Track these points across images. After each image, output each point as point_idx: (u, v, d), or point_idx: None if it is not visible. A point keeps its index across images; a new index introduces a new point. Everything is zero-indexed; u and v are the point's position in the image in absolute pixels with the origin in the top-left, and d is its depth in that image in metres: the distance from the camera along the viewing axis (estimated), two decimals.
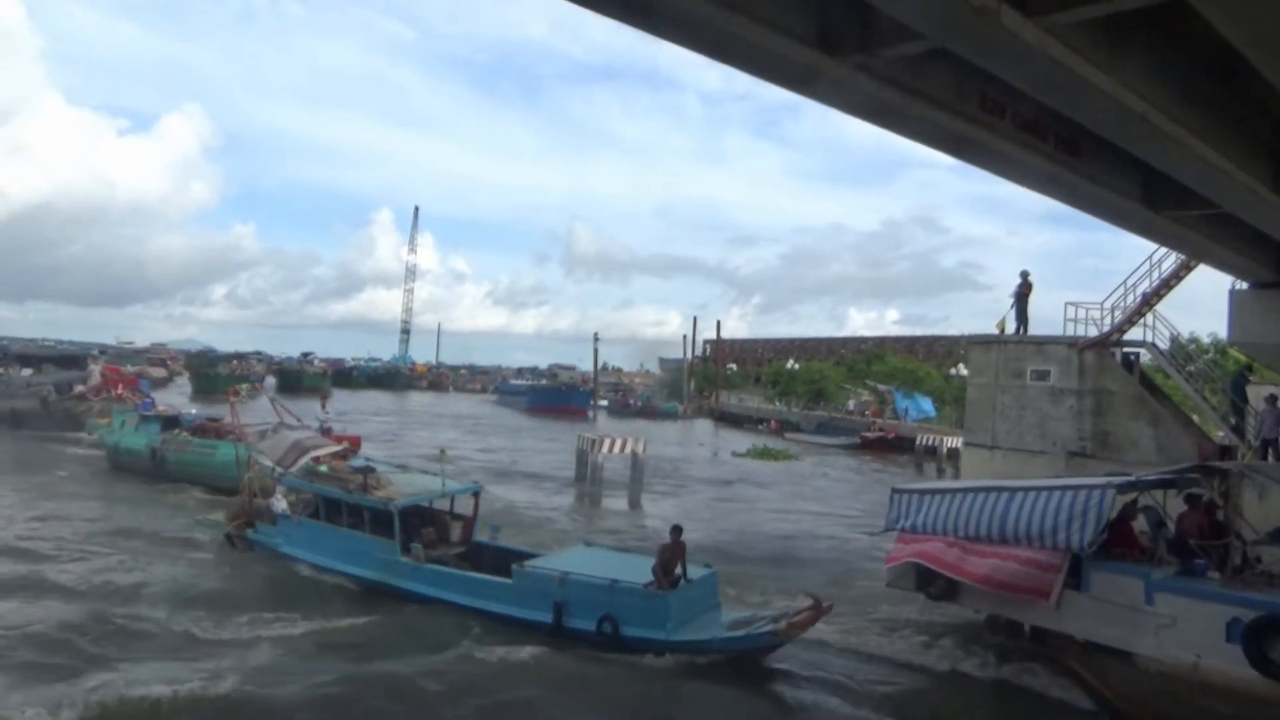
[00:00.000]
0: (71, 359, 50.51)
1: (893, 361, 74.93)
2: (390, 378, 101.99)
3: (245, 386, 20.33)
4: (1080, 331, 21.28)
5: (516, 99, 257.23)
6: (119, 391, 39.39)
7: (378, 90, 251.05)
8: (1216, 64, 8.49)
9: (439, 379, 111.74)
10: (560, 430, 50.24)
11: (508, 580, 13.88)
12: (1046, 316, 21.96)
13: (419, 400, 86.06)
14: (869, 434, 52.59)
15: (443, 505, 16.84)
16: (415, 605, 14.52)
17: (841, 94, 9.18)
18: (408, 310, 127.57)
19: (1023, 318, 22.55)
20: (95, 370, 43.74)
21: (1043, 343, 21.80)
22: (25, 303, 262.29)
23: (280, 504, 17.52)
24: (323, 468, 17.43)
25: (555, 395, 75.50)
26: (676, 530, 13.35)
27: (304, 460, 17.76)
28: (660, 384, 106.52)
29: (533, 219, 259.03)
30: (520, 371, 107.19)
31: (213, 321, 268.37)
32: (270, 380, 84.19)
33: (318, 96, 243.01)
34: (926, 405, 60.65)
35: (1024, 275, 22.77)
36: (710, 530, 23.25)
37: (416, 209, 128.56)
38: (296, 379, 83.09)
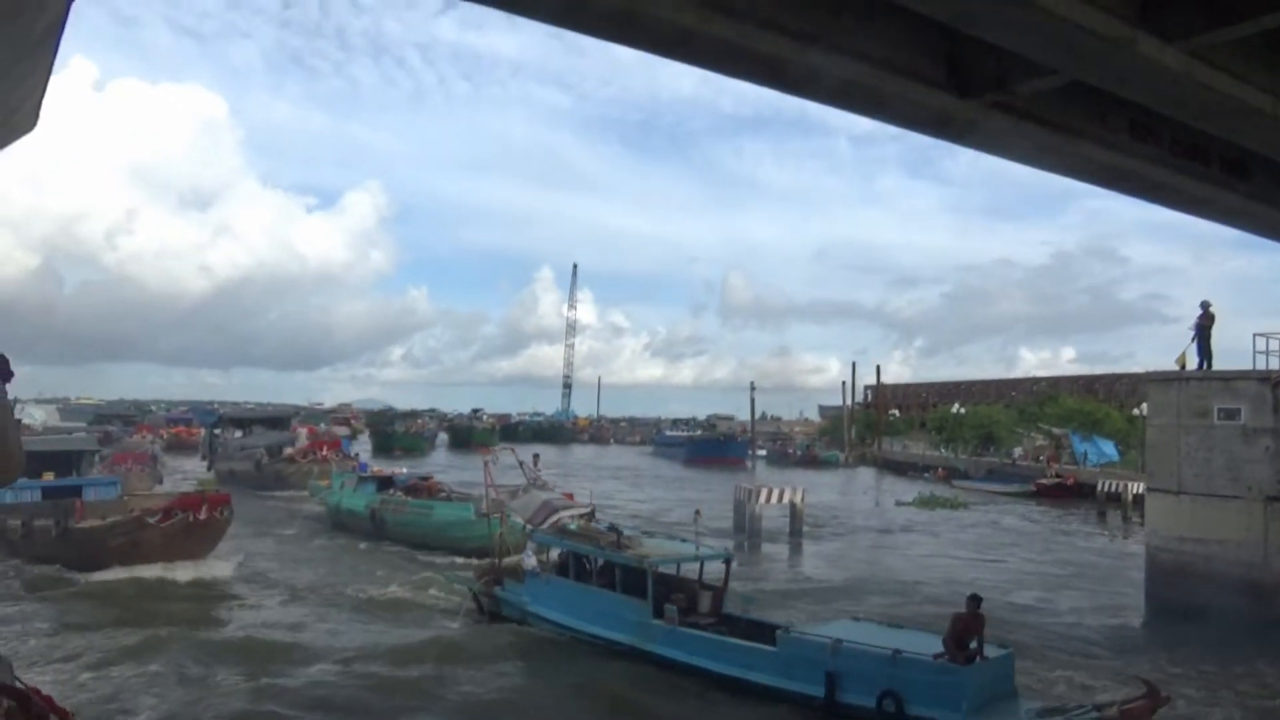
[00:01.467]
0: (276, 420, 53.53)
1: (1068, 402, 70.57)
2: (554, 431, 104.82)
3: (497, 448, 21.53)
4: (1273, 364, 19.66)
5: (669, 154, 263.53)
6: (324, 453, 41.67)
7: (537, 155, 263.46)
8: None
9: (600, 431, 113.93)
10: (718, 481, 50.19)
11: (771, 647, 12.73)
12: (1240, 348, 20.42)
13: (581, 453, 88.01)
14: (1045, 480, 49.70)
15: (690, 573, 15.80)
16: (667, 672, 13.74)
17: (978, 134, 9.11)
18: (569, 365, 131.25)
19: (1205, 352, 21.00)
20: (302, 434, 46.79)
21: (1230, 378, 20.21)
22: (230, 369, 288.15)
23: (531, 560, 17.39)
24: (572, 526, 17.38)
25: (713, 446, 75.39)
26: (975, 600, 11.75)
27: (553, 519, 17.74)
28: (820, 432, 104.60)
29: (688, 270, 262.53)
30: (675, 423, 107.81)
31: (391, 381, 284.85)
32: (443, 436, 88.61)
33: (483, 164, 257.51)
34: (1109, 448, 56.75)
35: (1204, 306, 21.25)
36: (875, 583, 22.63)
37: (575, 266, 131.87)
38: (467, 434, 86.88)
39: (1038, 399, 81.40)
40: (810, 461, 73.35)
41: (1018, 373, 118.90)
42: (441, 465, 48.17)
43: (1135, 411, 63.95)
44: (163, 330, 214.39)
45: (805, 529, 30.40)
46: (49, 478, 24.15)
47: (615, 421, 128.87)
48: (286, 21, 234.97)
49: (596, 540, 15.97)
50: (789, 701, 12.18)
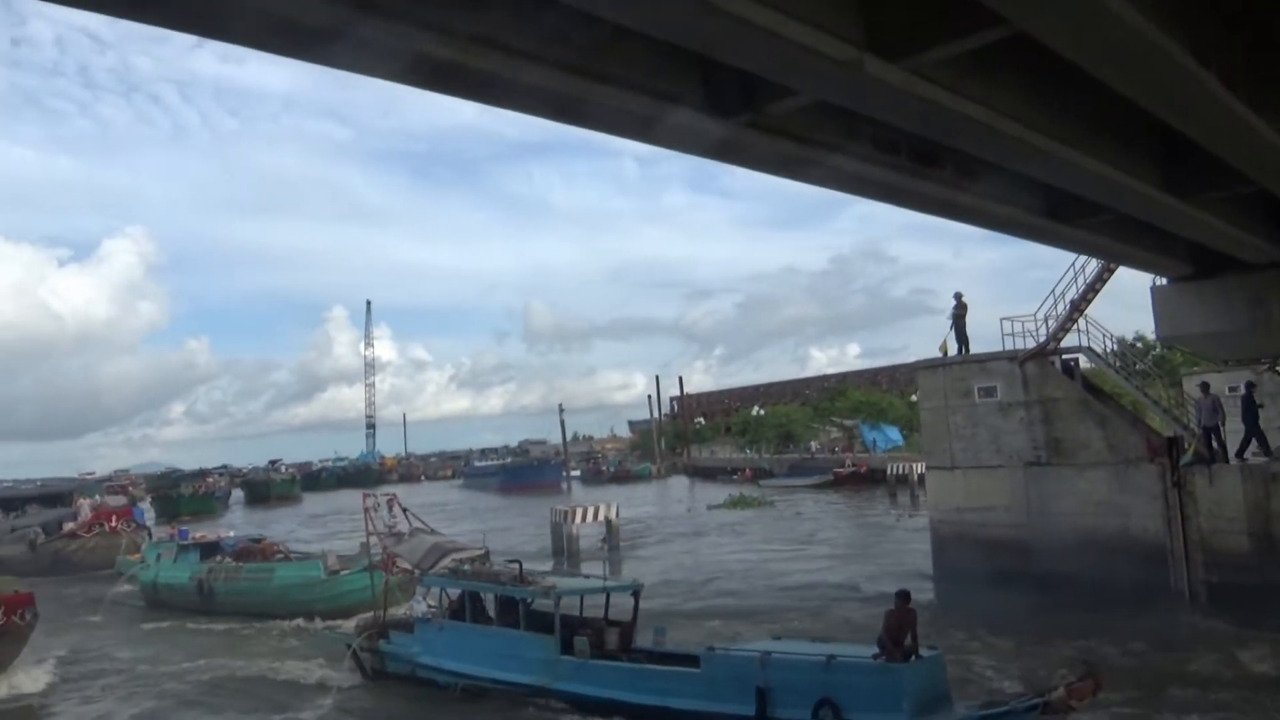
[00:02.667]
0: (56, 496, 48.20)
1: (854, 395, 75.71)
2: (360, 475, 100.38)
3: (376, 498, 19.17)
4: (1020, 345, 21.91)
5: (457, 184, 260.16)
6: (113, 524, 36.75)
7: (319, 191, 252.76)
8: (1083, 82, 9.08)
9: (410, 470, 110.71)
10: (534, 505, 49.96)
11: (695, 669, 12.01)
12: (994, 334, 22.94)
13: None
14: (841, 470, 52.98)
15: (595, 610, 14.49)
16: (582, 713, 12.77)
17: (741, 154, 9.72)
18: (371, 405, 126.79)
19: (962, 338, 23.13)
20: (85, 505, 41.28)
21: (985, 360, 22.37)
22: None
23: (421, 606, 16.42)
24: (465, 567, 16.15)
25: (526, 472, 75.15)
26: (903, 596, 11.26)
27: (445, 562, 16.54)
28: (631, 447, 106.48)
29: (488, 299, 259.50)
30: (484, 452, 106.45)
31: (174, 441, 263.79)
32: (237, 493, 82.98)
33: (260, 205, 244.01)
34: (895, 434, 61.34)
35: (957, 297, 23.45)
36: (691, 586, 23.29)
37: (369, 303, 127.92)
38: (264, 489, 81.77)
39: (829, 395, 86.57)
40: (624, 477, 74.57)
41: (810, 372, 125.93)
42: (238, 525, 45.09)
43: (913, 398, 69.46)
44: None
45: (622, 543, 30.85)
46: None
47: (425, 458, 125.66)
48: (17, 61, 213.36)
49: (497, 577, 14.82)
50: None
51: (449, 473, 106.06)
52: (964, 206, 12.96)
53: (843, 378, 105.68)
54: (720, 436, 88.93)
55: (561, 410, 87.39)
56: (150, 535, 36.65)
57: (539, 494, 60.40)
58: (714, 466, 72.90)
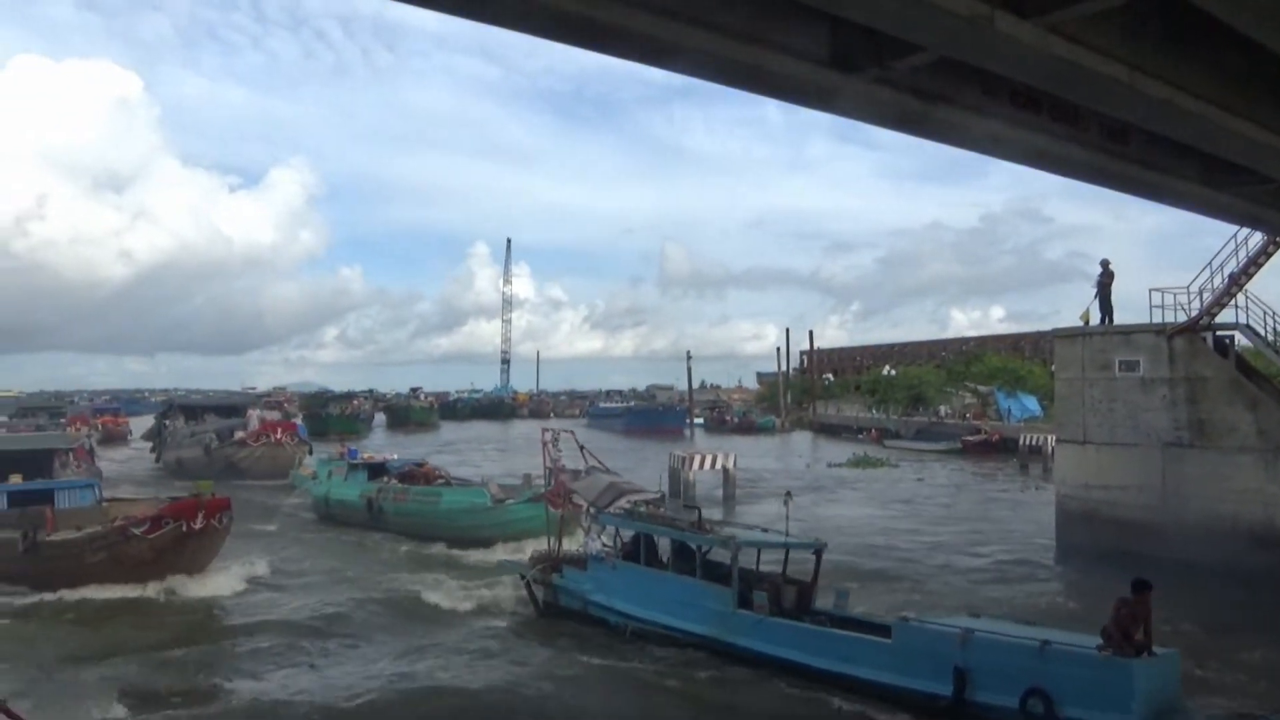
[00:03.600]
0: (231, 408, 50.47)
1: (992, 361, 72.81)
2: (494, 408, 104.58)
3: (554, 433, 19.20)
4: (1169, 318, 20.69)
5: (601, 124, 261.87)
6: (278, 437, 39.08)
7: (468, 128, 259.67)
8: (1234, 39, 8.44)
9: (540, 406, 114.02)
10: (654, 449, 50.83)
11: (885, 639, 11.11)
12: (1142, 304, 21.49)
13: (521, 428, 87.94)
14: (971, 438, 51.42)
15: (774, 566, 13.73)
16: (756, 669, 12.01)
17: (867, 108, 9.55)
18: (507, 340, 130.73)
19: (1106, 307, 22.05)
20: (254, 416, 44.28)
21: (1129, 331, 21.27)
22: (155, 355, 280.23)
23: (595, 544, 15.68)
24: (641, 509, 15.91)
25: (649, 416, 76.41)
26: (1143, 585, 9.76)
27: (620, 503, 16.08)
28: (757, 398, 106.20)
29: (625, 241, 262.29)
30: (609, 394, 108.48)
31: (326, 363, 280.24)
32: (380, 417, 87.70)
33: (412, 139, 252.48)
34: (1032, 404, 58.81)
35: (1104, 264, 22.30)
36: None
37: (509, 241, 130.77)
38: (405, 415, 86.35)
39: (965, 359, 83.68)
40: (747, 428, 74.57)
41: (949, 333, 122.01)
42: (381, 446, 47.58)
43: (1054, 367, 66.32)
44: (82, 318, 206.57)
45: (738, 493, 31.09)
46: (16, 481, 21.11)
47: (555, 395, 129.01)
48: None
49: (674, 523, 14.48)
50: (908, 702, 10.50)
51: (576, 411, 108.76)
52: (1109, 171, 12.29)
53: (982, 341, 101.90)
54: (849, 394, 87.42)
55: (689, 357, 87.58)
56: (310, 451, 38.61)
57: (661, 438, 61.26)
58: (839, 424, 71.94)
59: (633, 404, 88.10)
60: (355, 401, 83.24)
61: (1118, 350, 21.24)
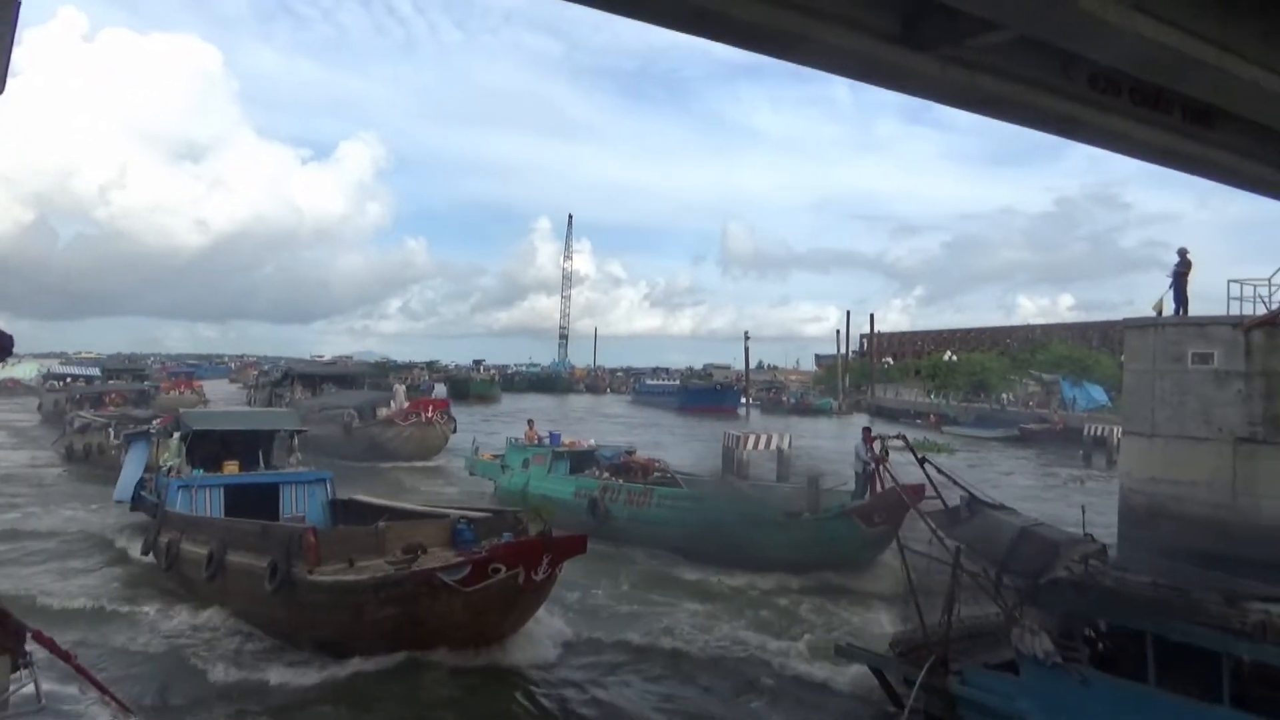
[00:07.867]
0: (348, 377, 45.99)
1: (1058, 349, 71.15)
2: (550, 382, 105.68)
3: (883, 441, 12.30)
4: (1249, 310, 20.00)
5: (665, 102, 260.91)
6: (428, 415, 34.44)
7: (533, 104, 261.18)
8: None
9: (596, 381, 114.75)
10: (707, 427, 50.84)
11: None
12: (1219, 296, 20.66)
13: (577, 402, 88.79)
14: (1031, 426, 50.40)
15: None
16: None
17: (934, 88, 9.35)
18: (566, 316, 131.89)
19: (1181, 298, 21.33)
20: (400, 391, 39.40)
21: (1204, 323, 20.56)
22: (226, 322, 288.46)
23: (1038, 644, 8.64)
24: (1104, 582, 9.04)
25: (704, 395, 76.23)
26: None
27: (1058, 569, 8.97)
28: (815, 380, 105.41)
29: (687, 220, 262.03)
30: (655, 371, 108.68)
31: (389, 334, 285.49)
32: (440, 388, 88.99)
33: (478, 114, 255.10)
34: (1098, 394, 57.45)
35: (1182, 253, 21.56)
36: None
37: (570, 216, 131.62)
38: (465, 387, 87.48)
39: (1030, 346, 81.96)
40: (804, 409, 74.14)
41: (1016, 320, 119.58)
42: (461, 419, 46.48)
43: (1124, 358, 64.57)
44: (157, 284, 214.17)
45: (792, 475, 30.94)
46: (231, 470, 16.99)
47: (612, 372, 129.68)
48: None
49: (1196, 609, 7.93)
50: None
51: (630, 388, 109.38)
52: (1190, 155, 11.92)
53: (1049, 329, 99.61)
54: (908, 379, 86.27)
55: (747, 337, 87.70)
56: (454, 428, 34.98)
57: (716, 417, 61.19)
58: (897, 408, 71.05)
59: (675, 382, 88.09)
60: (414, 373, 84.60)
61: (1191, 342, 20.55)
